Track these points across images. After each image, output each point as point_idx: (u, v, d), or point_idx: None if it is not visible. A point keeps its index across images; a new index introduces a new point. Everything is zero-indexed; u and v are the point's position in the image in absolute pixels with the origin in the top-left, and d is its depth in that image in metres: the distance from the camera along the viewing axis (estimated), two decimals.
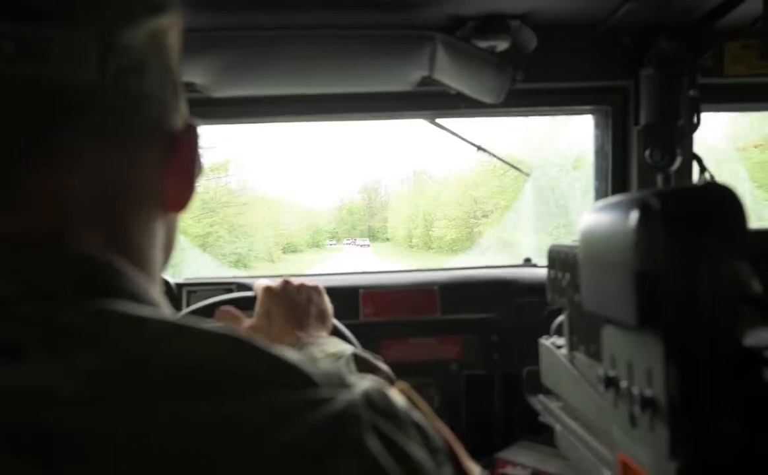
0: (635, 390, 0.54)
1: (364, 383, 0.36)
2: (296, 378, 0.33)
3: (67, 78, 0.35)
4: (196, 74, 1.17)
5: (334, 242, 66.55)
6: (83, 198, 0.37)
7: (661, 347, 0.50)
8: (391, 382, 0.72)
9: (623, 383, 0.57)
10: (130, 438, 0.27)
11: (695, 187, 0.57)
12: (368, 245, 59.70)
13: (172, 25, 0.44)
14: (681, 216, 0.49)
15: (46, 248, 0.34)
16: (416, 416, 0.38)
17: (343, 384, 0.34)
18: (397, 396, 0.38)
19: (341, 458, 0.31)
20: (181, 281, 1.47)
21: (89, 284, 0.34)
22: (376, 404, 0.35)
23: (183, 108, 0.45)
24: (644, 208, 0.50)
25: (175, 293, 1.44)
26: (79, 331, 0.31)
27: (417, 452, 0.35)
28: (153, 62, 0.41)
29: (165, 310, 0.38)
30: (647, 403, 0.52)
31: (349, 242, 65.11)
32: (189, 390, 0.30)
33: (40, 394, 0.28)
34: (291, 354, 0.34)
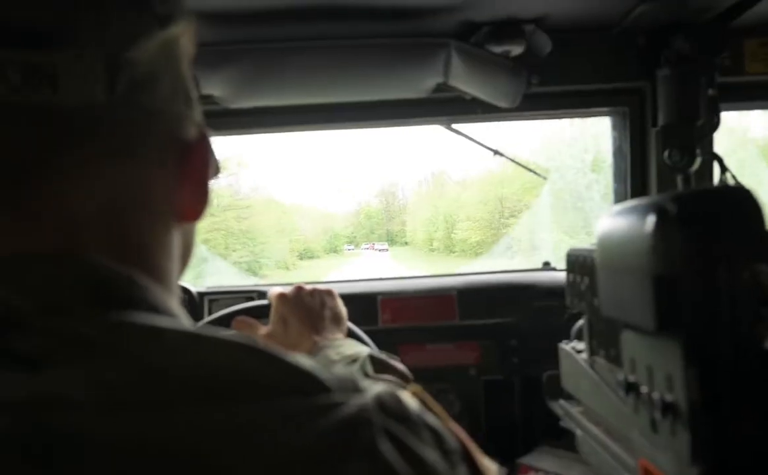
0: (656, 395, 0.53)
1: (376, 387, 0.36)
2: (310, 384, 0.33)
3: (76, 101, 0.35)
4: (214, 87, 1.19)
5: (352, 246, 65.30)
6: (95, 214, 0.37)
7: (680, 352, 0.50)
8: (408, 381, 0.73)
9: (643, 388, 0.57)
10: (144, 447, 0.28)
11: (712, 189, 0.57)
12: (387, 250, 58.28)
13: (182, 33, 0.44)
14: (698, 219, 0.49)
15: (61, 263, 0.35)
16: (429, 418, 0.38)
17: (356, 389, 0.35)
18: (409, 399, 0.38)
19: (353, 463, 0.31)
20: (202, 289, 1.49)
21: (105, 295, 0.34)
22: (389, 407, 0.35)
23: (196, 116, 0.45)
24: (661, 213, 0.50)
25: (196, 302, 1.46)
26: (97, 342, 0.31)
27: (430, 454, 0.35)
28: (164, 74, 0.40)
29: (182, 320, 0.39)
30: (668, 408, 0.52)
31: (368, 246, 63.88)
32: (204, 399, 0.30)
33: (55, 402, 0.28)
34: (305, 361, 0.35)
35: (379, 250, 58.49)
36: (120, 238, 0.38)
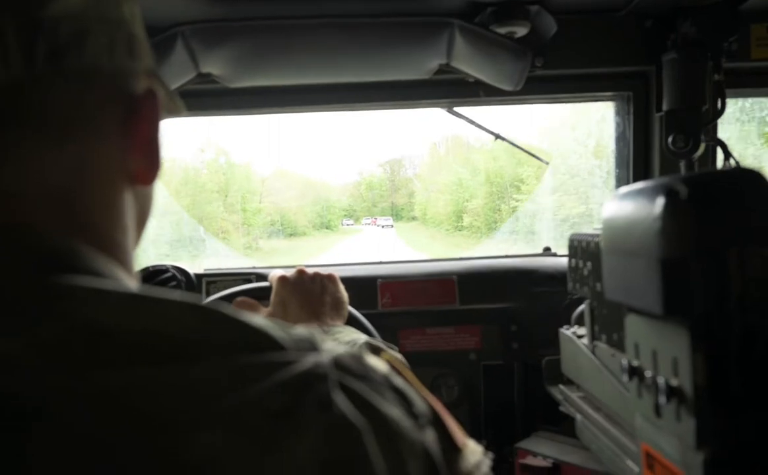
0: (660, 380, 0.53)
1: (338, 348, 0.36)
2: (262, 342, 0.33)
3: None
4: (214, 66, 1.17)
5: (350, 221, 56.34)
6: (35, 192, 0.35)
7: (687, 336, 0.49)
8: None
9: (648, 373, 0.56)
10: (92, 404, 0.27)
11: (723, 171, 0.56)
12: (391, 225, 49.92)
13: None
14: (709, 201, 0.48)
15: (2, 235, 0.33)
16: (397, 381, 0.38)
17: (312, 347, 0.34)
18: (377, 362, 0.38)
19: (306, 414, 0.31)
20: (200, 271, 1.48)
21: (48, 265, 0.32)
22: (347, 365, 0.35)
23: (143, 65, 0.41)
24: (671, 194, 0.49)
25: (194, 283, 1.45)
26: (40, 303, 0.30)
27: (391, 410, 0.35)
28: (95, 25, 0.36)
29: (125, 282, 0.36)
30: (673, 392, 0.51)
31: (369, 221, 55.14)
32: (153, 358, 0.29)
33: (2, 363, 0.28)
34: (259, 319, 0.34)
35: (383, 225, 50.41)
36: (62, 210, 0.36)
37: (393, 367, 0.42)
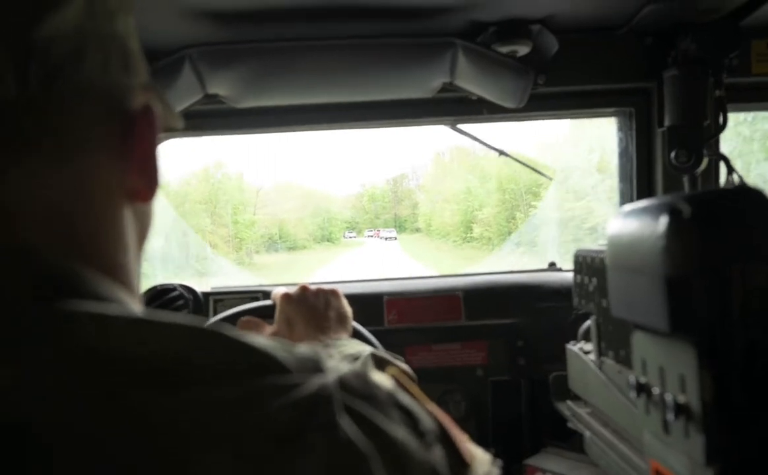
0: (668, 397, 0.53)
1: (342, 367, 0.35)
2: (267, 365, 0.32)
3: None
4: (221, 87, 1.19)
5: (353, 233, 55.03)
6: (33, 213, 0.34)
7: (693, 353, 0.49)
8: (412, 381, 0.72)
9: (655, 390, 0.56)
10: (89, 435, 0.27)
11: (726, 190, 0.57)
12: (395, 237, 48.01)
13: None
14: (712, 220, 0.49)
15: (1, 257, 0.32)
16: (402, 398, 0.37)
17: (317, 369, 0.34)
18: (382, 380, 0.37)
19: (311, 438, 0.30)
20: (207, 290, 1.49)
21: (48, 287, 0.32)
22: (351, 386, 0.34)
23: (139, 80, 0.40)
24: (674, 213, 0.49)
25: (201, 302, 1.46)
26: (40, 331, 0.30)
27: (398, 431, 0.34)
28: (91, 42, 0.35)
29: (129, 306, 0.36)
30: (681, 409, 0.52)
31: (372, 233, 53.65)
32: (155, 384, 0.29)
33: (2, 393, 0.27)
34: (263, 341, 0.33)
35: (386, 237, 48.59)
36: (63, 232, 0.35)
37: (398, 382, 0.42)
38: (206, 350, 0.32)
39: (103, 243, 0.38)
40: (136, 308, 0.37)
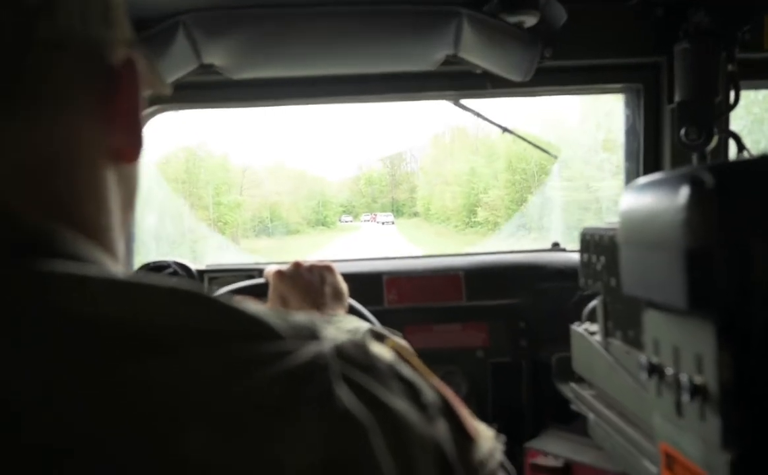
0: (683, 377, 0.51)
1: (340, 335, 0.34)
2: (258, 331, 0.31)
3: None
4: (217, 56, 1.15)
5: (349, 218, 52.79)
6: (9, 172, 0.32)
7: (712, 331, 0.47)
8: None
9: (668, 370, 0.54)
10: (75, 400, 0.26)
11: (750, 160, 0.54)
12: (392, 222, 46.07)
13: None
14: (736, 191, 0.46)
15: None
16: (404, 370, 0.36)
17: (312, 336, 0.32)
18: (382, 351, 0.36)
19: (305, 409, 0.29)
20: (202, 267, 1.47)
21: (24, 248, 0.30)
22: (350, 355, 0.33)
23: (121, 34, 0.38)
24: (696, 183, 0.46)
25: (196, 280, 1.43)
26: (16, 292, 0.28)
27: (398, 403, 0.33)
28: None
29: (109, 267, 0.34)
30: (697, 391, 0.49)
31: (368, 217, 51.18)
32: (137, 349, 0.28)
33: None
34: (255, 307, 0.32)
35: (383, 222, 46.60)
36: (41, 192, 0.34)
37: (399, 354, 0.40)
38: (194, 316, 0.30)
39: (84, 205, 0.36)
40: (116, 269, 0.34)
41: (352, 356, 0.33)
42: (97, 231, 0.37)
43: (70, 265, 0.30)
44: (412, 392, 0.35)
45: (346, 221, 50.43)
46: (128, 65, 0.38)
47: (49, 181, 0.34)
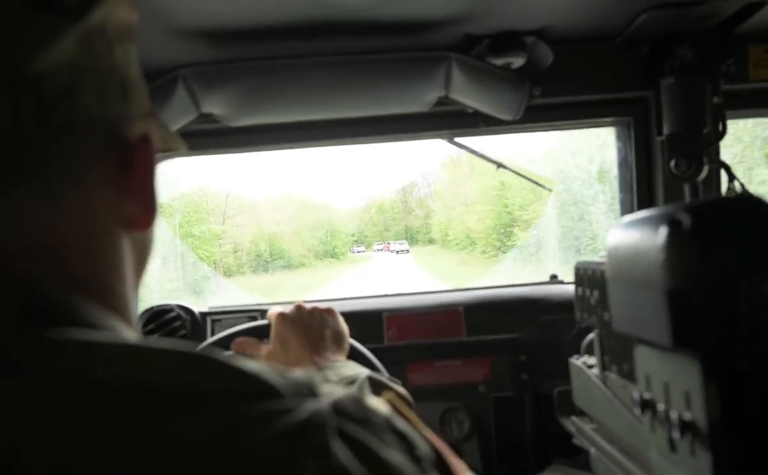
0: (673, 413, 0.51)
1: (336, 391, 0.35)
2: (258, 389, 0.31)
3: None
4: (215, 106, 1.18)
5: (361, 248, 49.90)
6: (24, 242, 0.34)
7: (698, 368, 0.48)
8: (409, 405, 0.71)
9: (660, 406, 0.55)
10: (80, 463, 0.26)
11: (726, 199, 0.55)
12: (407, 250, 42.73)
13: (113, 8, 0.37)
14: (713, 231, 0.47)
15: None
16: (398, 423, 0.36)
17: (311, 393, 0.33)
18: (377, 404, 0.36)
19: (302, 464, 0.29)
20: (204, 309, 1.48)
21: (36, 316, 0.32)
22: (346, 411, 0.33)
23: (137, 109, 0.40)
24: (673, 224, 0.48)
25: (199, 322, 1.44)
26: (25, 359, 0.29)
27: (393, 456, 0.33)
28: (87, 75, 0.35)
29: (122, 333, 0.36)
30: (687, 427, 0.50)
31: (381, 246, 48.31)
32: (142, 411, 0.28)
33: None
34: (254, 365, 0.33)
35: (398, 250, 43.28)
36: (56, 263, 0.35)
37: (394, 407, 0.41)
38: (197, 376, 0.31)
39: (100, 273, 0.38)
40: (129, 335, 0.36)
41: (349, 410, 0.33)
42: (112, 297, 0.38)
43: (85, 332, 0.32)
44: (406, 445, 0.35)
45: (358, 252, 47.76)
46: (144, 139, 0.40)
47: (64, 251, 0.35)
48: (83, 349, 0.30)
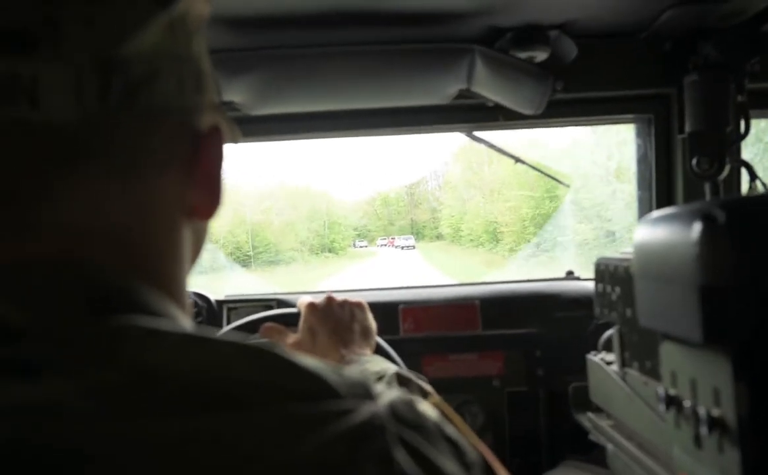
0: (701, 410, 0.51)
1: (391, 393, 0.34)
2: (318, 389, 0.31)
3: (62, 117, 0.31)
4: (235, 93, 1.19)
5: (364, 242, 46.49)
6: (96, 228, 0.34)
7: (729, 365, 0.48)
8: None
9: (686, 403, 0.55)
10: (141, 455, 0.26)
11: (759, 196, 0.55)
12: (413, 246, 39.63)
13: (191, 4, 0.38)
14: (748, 227, 0.47)
15: (59, 271, 0.33)
16: (448, 429, 0.36)
17: (368, 395, 0.33)
18: (428, 409, 0.36)
19: (365, 468, 0.29)
20: (221, 298, 1.49)
21: (102, 303, 0.32)
22: (403, 415, 0.33)
23: (209, 100, 0.41)
24: (708, 220, 0.48)
25: (215, 310, 1.45)
26: (93, 347, 0.30)
27: (449, 465, 0.33)
28: (168, 64, 0.36)
29: (183, 322, 0.36)
30: (714, 423, 0.50)
31: (384, 241, 44.72)
32: (204, 404, 0.28)
33: (51, 410, 0.27)
34: (313, 363, 0.33)
35: (403, 246, 40.07)
36: (124, 248, 0.36)
37: (442, 412, 0.41)
38: (258, 372, 0.31)
39: (162, 259, 0.38)
40: (187, 323, 0.36)
41: (405, 415, 0.33)
42: (171, 285, 0.38)
43: (146, 319, 0.32)
44: (457, 451, 0.35)
45: (361, 246, 44.63)
46: (214, 130, 0.40)
47: (131, 237, 0.36)
48: (146, 337, 0.31)
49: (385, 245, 43.52)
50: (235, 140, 0.46)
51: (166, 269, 0.39)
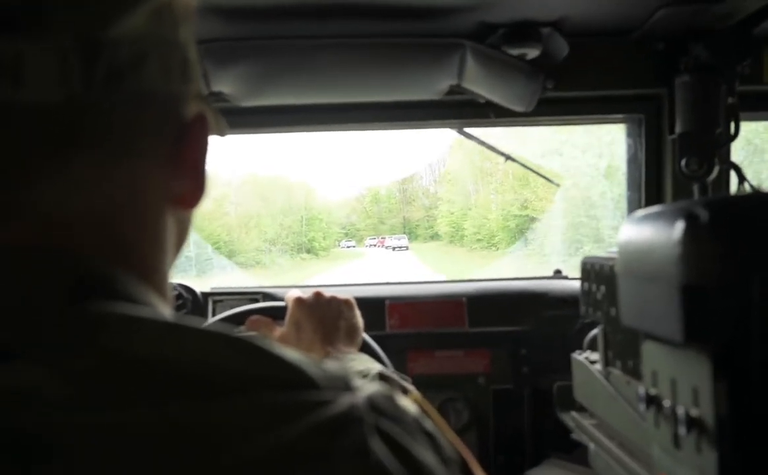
0: (680, 410, 0.51)
1: (370, 386, 0.34)
2: (297, 379, 0.31)
3: (46, 98, 0.31)
4: (225, 84, 1.17)
5: (352, 242, 42.06)
6: (78, 214, 0.34)
7: (709, 365, 0.47)
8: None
9: (666, 402, 0.54)
10: (115, 441, 0.26)
11: (743, 195, 0.55)
12: (406, 247, 34.62)
13: None
14: (730, 226, 0.47)
15: (38, 256, 0.32)
16: (427, 424, 0.36)
17: (346, 387, 0.33)
18: (407, 404, 0.36)
19: (341, 461, 0.29)
20: (206, 290, 1.48)
21: (81, 290, 0.32)
22: (382, 407, 0.33)
23: (194, 88, 0.40)
24: (690, 218, 0.47)
25: (200, 302, 1.44)
26: (71, 333, 0.29)
27: (427, 457, 0.33)
28: (154, 49, 0.35)
29: (163, 310, 0.36)
30: (693, 423, 0.50)
31: (374, 241, 40.41)
32: (180, 392, 0.28)
33: (25, 396, 0.27)
34: (293, 354, 0.32)
35: (395, 247, 35.12)
36: (104, 236, 0.35)
37: (422, 408, 0.41)
38: (236, 360, 0.31)
39: (144, 248, 0.38)
40: (167, 312, 0.36)
41: (384, 407, 0.33)
42: (153, 274, 0.38)
43: (127, 307, 0.32)
44: (435, 446, 0.35)
45: (348, 247, 40.10)
46: (199, 118, 0.40)
47: (113, 225, 0.35)
48: (125, 324, 0.30)
49: (375, 245, 39.10)
50: (221, 132, 0.45)
51: (148, 258, 0.38)
